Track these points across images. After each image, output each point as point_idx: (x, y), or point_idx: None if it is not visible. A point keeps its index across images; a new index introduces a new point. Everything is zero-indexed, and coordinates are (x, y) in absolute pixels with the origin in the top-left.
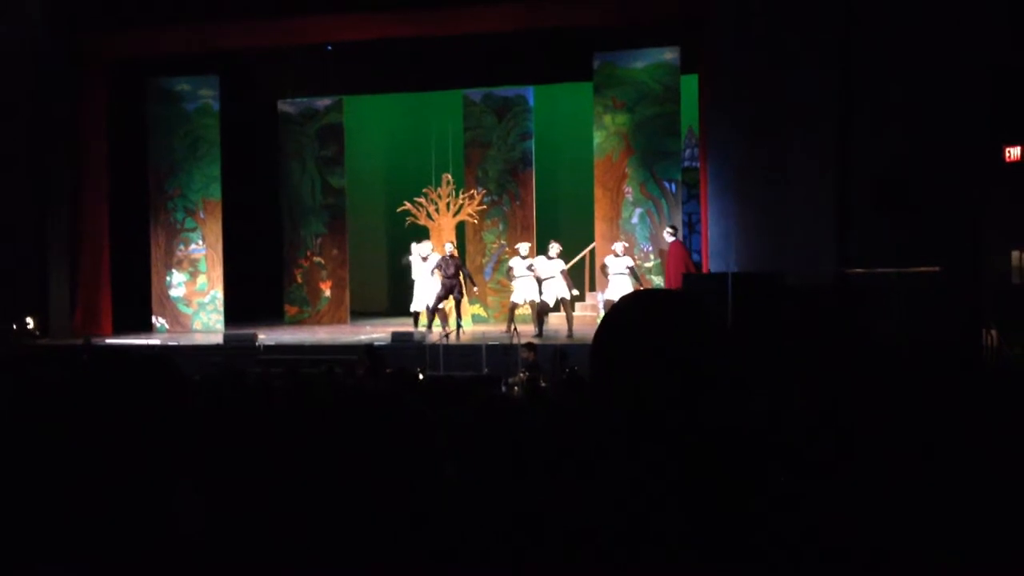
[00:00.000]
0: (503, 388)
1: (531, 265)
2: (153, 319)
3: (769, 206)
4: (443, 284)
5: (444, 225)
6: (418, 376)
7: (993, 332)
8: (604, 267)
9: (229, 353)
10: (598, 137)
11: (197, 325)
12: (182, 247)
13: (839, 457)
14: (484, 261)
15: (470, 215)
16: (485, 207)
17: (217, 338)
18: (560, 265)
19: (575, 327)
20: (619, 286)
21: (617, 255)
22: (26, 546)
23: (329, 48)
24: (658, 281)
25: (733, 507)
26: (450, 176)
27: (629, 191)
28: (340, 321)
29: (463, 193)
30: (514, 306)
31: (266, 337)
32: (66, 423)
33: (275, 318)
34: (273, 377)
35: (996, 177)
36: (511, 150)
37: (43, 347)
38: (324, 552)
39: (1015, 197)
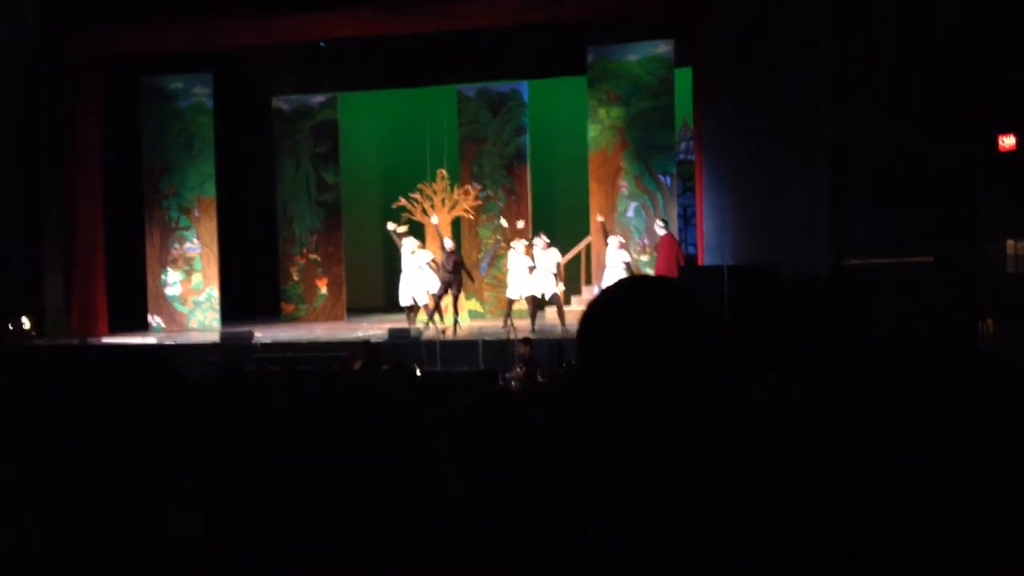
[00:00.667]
0: (500, 383)
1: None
2: (149, 318)
3: (764, 198)
4: (442, 280)
5: (440, 221)
6: (415, 372)
7: (989, 321)
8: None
9: (226, 351)
10: (593, 131)
11: (193, 324)
12: (177, 245)
13: (837, 452)
14: (480, 256)
15: (465, 211)
16: (480, 202)
17: (214, 336)
18: (556, 256)
19: (570, 321)
20: (614, 279)
21: (615, 246)
22: (23, 547)
23: (323, 45)
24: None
25: (730, 505)
26: (445, 171)
27: (624, 185)
28: (337, 318)
29: (458, 189)
30: (510, 301)
31: (263, 335)
32: (63, 422)
33: (272, 316)
34: (270, 375)
35: (990, 166)
36: (506, 145)
37: (39, 347)
38: (321, 552)
39: (1009, 186)
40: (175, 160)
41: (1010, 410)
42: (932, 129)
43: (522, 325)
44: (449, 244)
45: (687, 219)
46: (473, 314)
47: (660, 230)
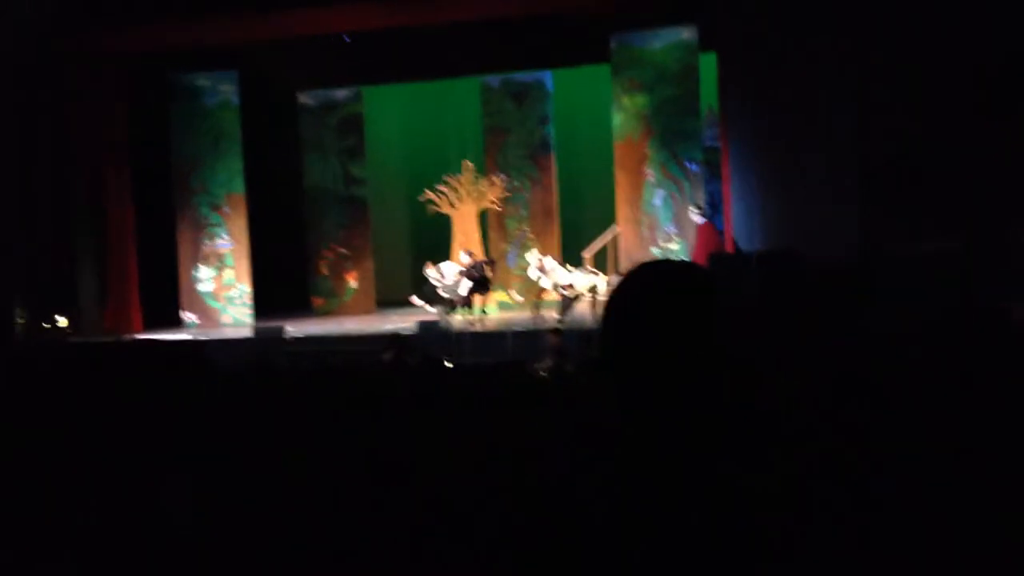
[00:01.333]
0: (529, 374)
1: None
2: (182, 314)
3: (791, 183)
4: (473, 281)
5: (466, 213)
6: (444, 364)
7: (1012, 308)
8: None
9: (258, 346)
10: (618, 119)
11: (226, 319)
12: (208, 242)
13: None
14: (506, 248)
15: (492, 202)
16: (507, 193)
17: (246, 331)
18: (594, 280)
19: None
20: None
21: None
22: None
23: (347, 39)
24: None
25: (747, 503)
26: (471, 163)
27: (650, 173)
28: (367, 311)
29: (484, 180)
30: (540, 291)
31: (294, 329)
32: (104, 414)
33: (302, 310)
34: (302, 369)
35: (1015, 149)
36: (531, 135)
37: (76, 344)
38: (345, 543)
39: None
40: (203, 157)
41: None
42: (956, 113)
43: (550, 316)
44: (467, 258)
45: (714, 206)
46: (502, 305)
47: (697, 218)
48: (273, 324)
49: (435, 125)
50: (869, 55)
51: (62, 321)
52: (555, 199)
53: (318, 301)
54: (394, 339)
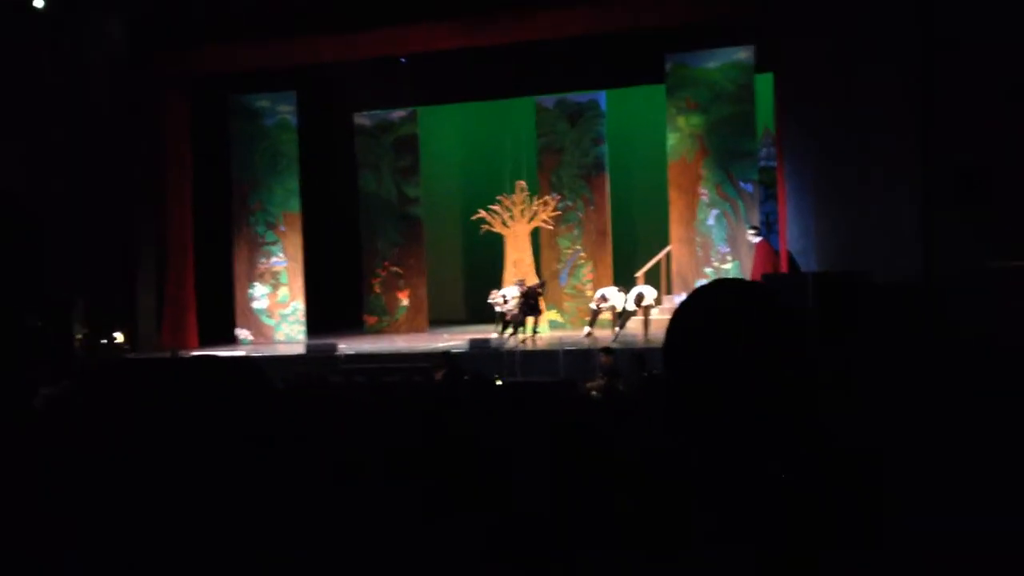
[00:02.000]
0: (581, 393)
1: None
2: (237, 331)
3: (849, 203)
4: (526, 305)
5: (519, 232)
6: (495, 382)
7: None
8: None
9: (311, 363)
10: (672, 139)
11: (280, 336)
12: (264, 260)
13: (928, 466)
14: (559, 267)
15: (544, 221)
16: (559, 213)
17: (299, 348)
18: (640, 288)
19: (652, 331)
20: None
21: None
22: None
23: (403, 61)
24: None
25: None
26: (524, 183)
27: (705, 193)
28: (419, 329)
29: (537, 200)
30: (596, 311)
31: (347, 346)
32: (162, 429)
33: (355, 328)
34: (355, 385)
35: None
36: (584, 155)
37: (134, 360)
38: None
39: None
40: (261, 177)
41: None
42: (1019, 130)
43: (603, 335)
44: (516, 289)
45: (769, 226)
46: (553, 324)
47: (755, 238)
48: (326, 341)
49: (489, 145)
50: (931, 72)
51: (119, 337)
52: (608, 219)
53: (370, 319)
54: (445, 357)
